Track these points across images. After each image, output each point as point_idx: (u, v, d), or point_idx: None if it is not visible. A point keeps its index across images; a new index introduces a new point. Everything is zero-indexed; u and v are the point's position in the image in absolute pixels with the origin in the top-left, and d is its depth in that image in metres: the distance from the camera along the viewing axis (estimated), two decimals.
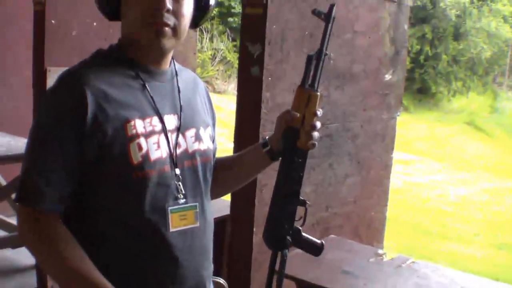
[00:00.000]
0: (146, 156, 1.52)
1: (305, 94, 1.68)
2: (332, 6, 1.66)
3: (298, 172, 1.67)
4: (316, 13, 1.67)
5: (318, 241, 1.75)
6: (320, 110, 1.69)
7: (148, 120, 1.57)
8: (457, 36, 33.75)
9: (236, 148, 2.91)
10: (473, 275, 2.93)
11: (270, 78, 2.93)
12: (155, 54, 1.63)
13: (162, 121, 1.60)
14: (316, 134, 1.68)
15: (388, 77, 3.88)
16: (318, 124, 1.68)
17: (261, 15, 2.86)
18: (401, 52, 3.99)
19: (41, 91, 4.28)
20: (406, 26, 4.00)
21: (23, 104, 4.69)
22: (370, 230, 4.08)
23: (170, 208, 1.58)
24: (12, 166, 3.76)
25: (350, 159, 3.73)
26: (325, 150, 3.44)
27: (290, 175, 1.67)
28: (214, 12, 24.05)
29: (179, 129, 1.65)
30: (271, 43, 2.90)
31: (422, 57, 32.75)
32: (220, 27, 24.26)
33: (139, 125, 1.54)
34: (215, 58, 22.97)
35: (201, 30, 20.13)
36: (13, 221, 4.32)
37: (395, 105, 4.04)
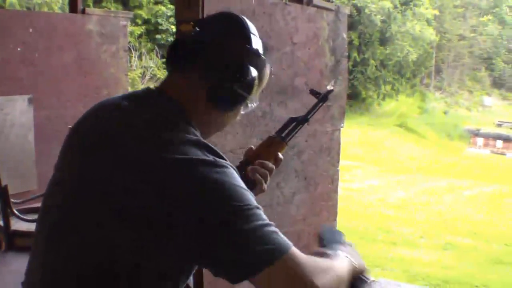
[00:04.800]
0: None
1: (273, 141, 1.77)
2: (329, 92, 1.79)
3: None
4: (312, 92, 1.80)
5: None
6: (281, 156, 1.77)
7: None
8: (384, 41, 34.43)
9: None
10: None
11: None
12: None
13: None
14: (264, 171, 1.71)
15: (329, 88, 3.76)
16: (270, 165, 1.73)
17: None
18: (341, 62, 3.88)
19: None
20: (344, 35, 3.90)
21: None
22: None
23: None
24: None
25: (297, 176, 3.58)
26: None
27: None
28: (142, 30, 23.88)
29: None
30: None
31: (350, 64, 33.27)
32: (149, 45, 24.08)
33: None
34: (145, 76, 22.78)
35: (129, 49, 19.87)
36: None
37: (339, 116, 3.92)
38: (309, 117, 1.78)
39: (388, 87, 36.04)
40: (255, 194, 1.62)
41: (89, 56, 5.05)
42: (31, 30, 4.50)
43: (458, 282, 7.45)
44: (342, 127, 3.97)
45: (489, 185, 17.85)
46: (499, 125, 36.62)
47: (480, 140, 33.41)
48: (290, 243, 1.26)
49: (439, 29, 38.97)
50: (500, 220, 12.33)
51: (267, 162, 1.72)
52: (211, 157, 1.28)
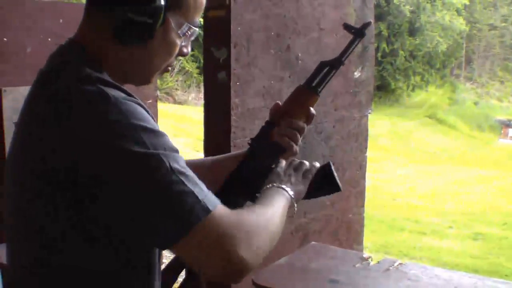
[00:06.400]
0: None
1: (302, 93, 1.53)
2: (367, 24, 1.54)
3: (261, 166, 1.49)
4: (346, 27, 1.54)
5: None
6: (313, 111, 1.54)
7: None
8: (413, 31, 34.13)
9: None
10: (465, 273, 2.82)
11: (238, 83, 2.79)
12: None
13: None
14: (292, 131, 1.51)
15: (357, 74, 3.77)
16: (300, 123, 1.52)
17: (224, 17, 2.71)
18: (368, 48, 3.88)
19: None
20: (372, 21, 3.89)
21: None
22: (349, 233, 3.96)
23: None
24: None
25: (324, 161, 3.60)
26: (299, 154, 3.32)
27: (253, 168, 1.49)
28: None
29: None
30: (237, 46, 2.76)
31: (379, 54, 33.07)
32: None
33: None
34: (174, 68, 22.84)
35: None
36: None
37: (366, 103, 3.93)
38: (343, 58, 1.53)
39: (418, 78, 35.73)
40: (285, 158, 1.52)
41: None
42: (61, 20, 4.56)
43: (488, 271, 7.40)
44: (370, 113, 3.98)
45: None
46: None
47: (511, 131, 33.00)
48: (209, 204, 1.14)
49: (469, 19, 38.51)
50: None
51: (295, 120, 1.51)
52: (108, 92, 1.16)
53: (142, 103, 1.21)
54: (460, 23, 35.51)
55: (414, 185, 14.63)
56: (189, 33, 1.33)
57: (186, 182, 1.13)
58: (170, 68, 1.39)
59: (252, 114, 2.91)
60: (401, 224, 10.04)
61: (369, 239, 8.42)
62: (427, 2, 34.29)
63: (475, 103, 37.46)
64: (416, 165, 19.28)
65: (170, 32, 1.29)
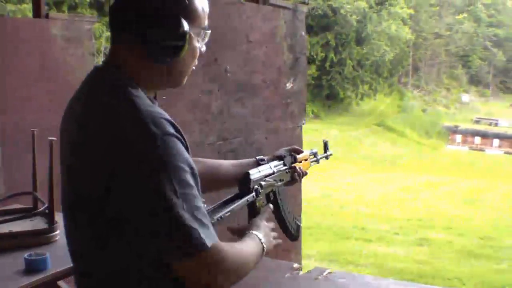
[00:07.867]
0: None
1: (309, 157, 2.04)
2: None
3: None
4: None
5: None
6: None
7: None
8: (360, 40, 34.56)
9: None
10: (393, 280, 2.87)
11: (164, 97, 2.79)
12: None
13: None
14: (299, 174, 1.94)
15: (289, 85, 3.81)
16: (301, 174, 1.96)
17: None
18: (300, 60, 3.92)
19: None
20: (303, 33, 3.94)
21: None
22: (286, 243, 3.97)
23: None
24: None
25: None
26: None
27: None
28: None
29: None
30: None
31: (327, 64, 33.38)
32: None
33: None
34: None
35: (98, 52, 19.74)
36: None
37: (299, 114, 3.97)
38: (319, 158, 2.12)
39: (366, 87, 36.19)
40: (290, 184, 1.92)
41: (54, 60, 5.03)
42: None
43: (432, 276, 7.51)
44: (303, 123, 4.02)
45: (466, 181, 17.99)
46: (477, 122, 36.95)
47: (458, 137, 33.65)
48: (209, 240, 1.31)
49: (415, 28, 39.24)
50: (475, 215, 12.47)
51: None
52: (154, 129, 1.31)
53: (177, 125, 1.40)
54: (406, 32, 36.16)
55: (363, 193, 14.77)
56: (204, 36, 1.52)
57: (194, 220, 1.31)
58: (194, 68, 1.54)
59: (182, 126, 2.91)
60: (348, 232, 10.12)
61: (315, 247, 8.47)
62: (374, 12, 34.80)
63: (423, 110, 38.13)
64: (365, 173, 19.49)
65: (192, 41, 1.47)
